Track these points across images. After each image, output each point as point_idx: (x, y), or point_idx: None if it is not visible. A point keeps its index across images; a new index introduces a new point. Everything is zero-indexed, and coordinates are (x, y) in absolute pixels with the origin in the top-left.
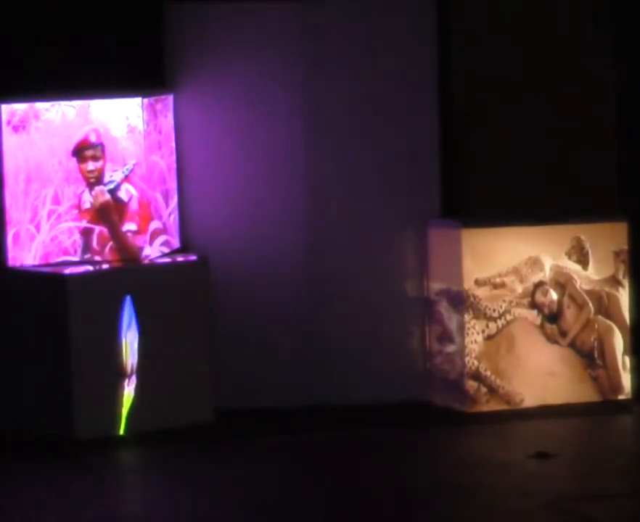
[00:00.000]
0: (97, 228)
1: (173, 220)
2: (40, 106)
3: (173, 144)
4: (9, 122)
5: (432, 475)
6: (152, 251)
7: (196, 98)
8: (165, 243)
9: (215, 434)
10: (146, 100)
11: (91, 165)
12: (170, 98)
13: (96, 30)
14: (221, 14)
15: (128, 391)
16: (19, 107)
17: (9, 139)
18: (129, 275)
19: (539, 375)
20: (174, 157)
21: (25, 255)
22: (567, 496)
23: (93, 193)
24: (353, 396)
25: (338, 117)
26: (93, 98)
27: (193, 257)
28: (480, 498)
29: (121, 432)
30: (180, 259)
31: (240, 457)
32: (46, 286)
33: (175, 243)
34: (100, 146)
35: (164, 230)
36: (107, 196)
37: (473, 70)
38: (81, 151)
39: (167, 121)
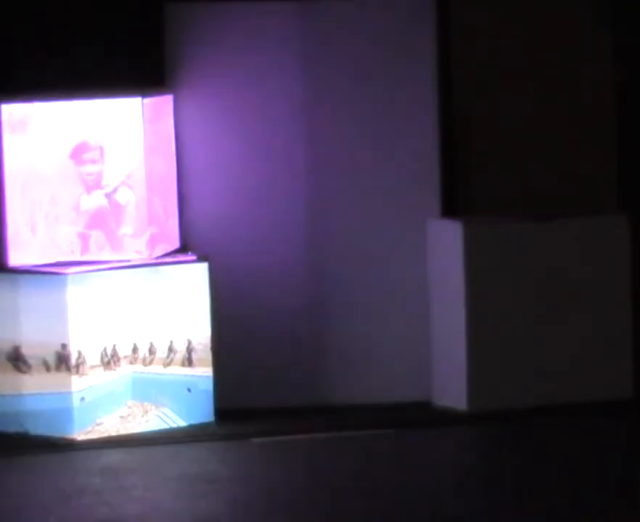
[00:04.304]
0: (94, 232)
1: (173, 220)
2: (39, 107)
3: (173, 144)
4: (7, 123)
5: (432, 476)
6: (152, 252)
7: (196, 98)
8: (165, 244)
9: (215, 434)
10: (146, 100)
11: (89, 168)
12: (171, 98)
13: (95, 29)
14: (221, 14)
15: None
16: (17, 108)
17: (7, 140)
18: (130, 276)
19: (539, 374)
20: (174, 157)
21: (23, 256)
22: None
23: (90, 196)
24: (353, 396)
25: (338, 117)
26: (93, 98)
27: (193, 257)
28: (480, 498)
29: (121, 432)
30: (180, 259)
31: (240, 457)
32: (46, 285)
33: (176, 243)
34: (99, 149)
35: (163, 231)
36: (104, 200)
37: (473, 70)
38: (79, 154)
39: (168, 121)
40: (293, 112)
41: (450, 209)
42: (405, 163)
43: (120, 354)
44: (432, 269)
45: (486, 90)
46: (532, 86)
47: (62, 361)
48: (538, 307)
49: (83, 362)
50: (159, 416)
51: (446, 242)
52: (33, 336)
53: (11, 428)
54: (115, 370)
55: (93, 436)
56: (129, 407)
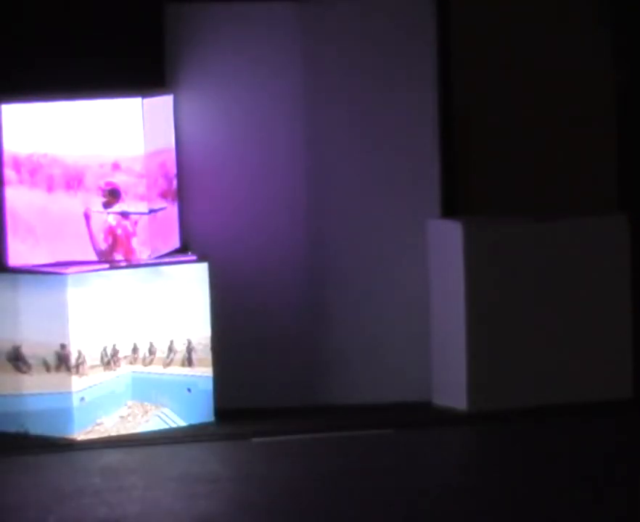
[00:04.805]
0: (101, 235)
1: (173, 220)
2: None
3: (174, 144)
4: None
5: (432, 476)
6: (152, 252)
7: (196, 98)
8: (165, 243)
9: (215, 434)
10: (146, 100)
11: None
12: (171, 98)
13: (95, 29)
14: (221, 14)
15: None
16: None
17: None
18: (130, 276)
19: (539, 374)
20: (174, 157)
21: (27, 255)
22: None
23: (101, 210)
24: (353, 396)
25: (338, 116)
26: (93, 98)
27: (193, 257)
28: (480, 498)
29: (121, 432)
30: (180, 259)
31: (240, 457)
32: (46, 285)
33: (176, 243)
34: (115, 191)
35: (163, 230)
36: (115, 217)
37: (473, 70)
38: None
39: (168, 121)
40: (293, 112)
41: (450, 209)
42: (405, 163)
43: (120, 354)
44: (432, 269)
45: (486, 91)
46: (532, 86)
47: (62, 361)
48: (538, 307)
49: (83, 362)
50: (159, 416)
51: (446, 242)
52: (33, 336)
53: (11, 428)
54: (114, 370)
55: (93, 436)
56: (129, 407)
